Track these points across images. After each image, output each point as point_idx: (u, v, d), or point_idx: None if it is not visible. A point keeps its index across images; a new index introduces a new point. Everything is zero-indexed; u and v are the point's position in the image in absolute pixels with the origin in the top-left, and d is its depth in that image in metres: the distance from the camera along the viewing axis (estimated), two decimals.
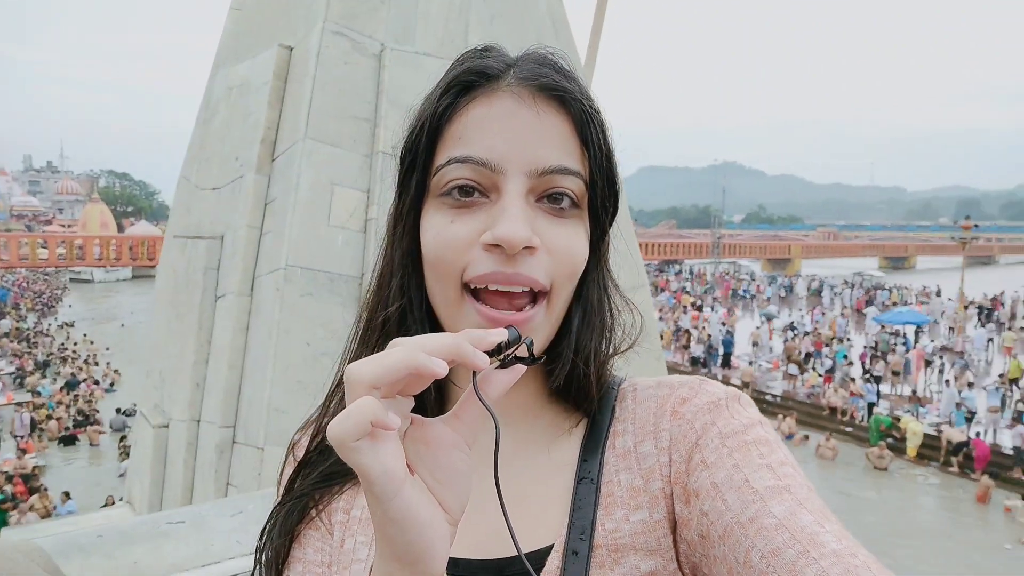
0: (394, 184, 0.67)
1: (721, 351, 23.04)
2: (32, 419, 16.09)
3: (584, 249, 0.62)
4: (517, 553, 0.48)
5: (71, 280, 51.49)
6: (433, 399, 0.65)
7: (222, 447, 3.74)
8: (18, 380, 20.38)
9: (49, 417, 17.17)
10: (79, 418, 17.55)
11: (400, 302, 0.64)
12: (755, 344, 24.86)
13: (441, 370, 0.41)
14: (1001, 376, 19.52)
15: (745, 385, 19.83)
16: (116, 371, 21.89)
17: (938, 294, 37.56)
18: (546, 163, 0.59)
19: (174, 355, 4.36)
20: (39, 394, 19.09)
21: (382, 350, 0.64)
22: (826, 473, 15.32)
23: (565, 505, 0.62)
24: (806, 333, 25.25)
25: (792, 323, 28.16)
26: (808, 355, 22.29)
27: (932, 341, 25.22)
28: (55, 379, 21.03)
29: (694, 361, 23.39)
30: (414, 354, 0.41)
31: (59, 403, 18.32)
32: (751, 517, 0.51)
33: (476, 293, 0.59)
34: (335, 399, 0.70)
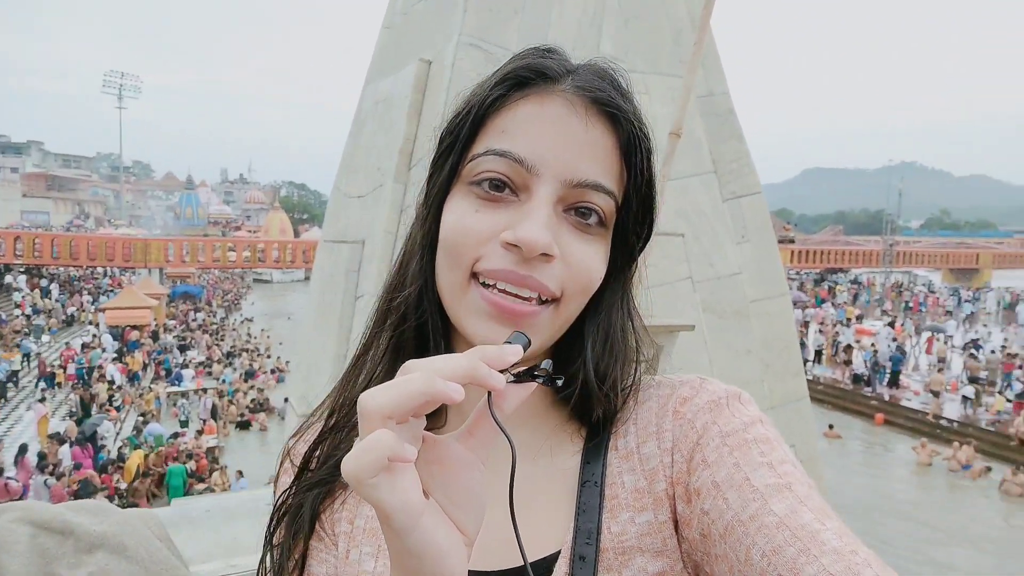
0: (428, 165, 0.67)
1: (889, 368, 21.03)
2: (213, 404, 18.04)
3: (601, 269, 0.61)
4: (524, 564, 0.47)
5: (254, 280, 57.24)
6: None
7: None
8: (208, 368, 22.98)
9: (230, 403, 19.19)
10: (252, 405, 19.45)
11: (418, 283, 0.64)
12: (941, 360, 22.49)
13: (458, 396, 0.40)
14: None
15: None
16: (287, 363, 24.03)
17: None
18: (582, 176, 0.58)
19: (318, 350, 4.71)
20: (224, 382, 21.38)
21: (400, 330, 0.65)
22: (1013, 509, 13.48)
23: (570, 510, 0.62)
24: (992, 352, 22.41)
25: (977, 340, 25.11)
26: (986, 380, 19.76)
27: None
28: (236, 369, 23.46)
29: (856, 379, 21.54)
30: (431, 381, 0.40)
31: (237, 390, 20.41)
32: (752, 515, 0.51)
33: (484, 285, 0.59)
34: (343, 408, 0.69)
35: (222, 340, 29.13)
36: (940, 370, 21.00)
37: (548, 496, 0.64)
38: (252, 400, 19.87)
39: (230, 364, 23.94)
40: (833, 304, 34.28)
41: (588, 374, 0.63)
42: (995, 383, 19.66)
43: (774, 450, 0.57)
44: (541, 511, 0.63)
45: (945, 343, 24.68)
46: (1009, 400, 17.97)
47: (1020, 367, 20.18)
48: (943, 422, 17.97)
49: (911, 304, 36.89)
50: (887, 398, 20.14)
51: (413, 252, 0.66)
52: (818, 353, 24.27)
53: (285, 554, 0.65)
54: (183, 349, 25.73)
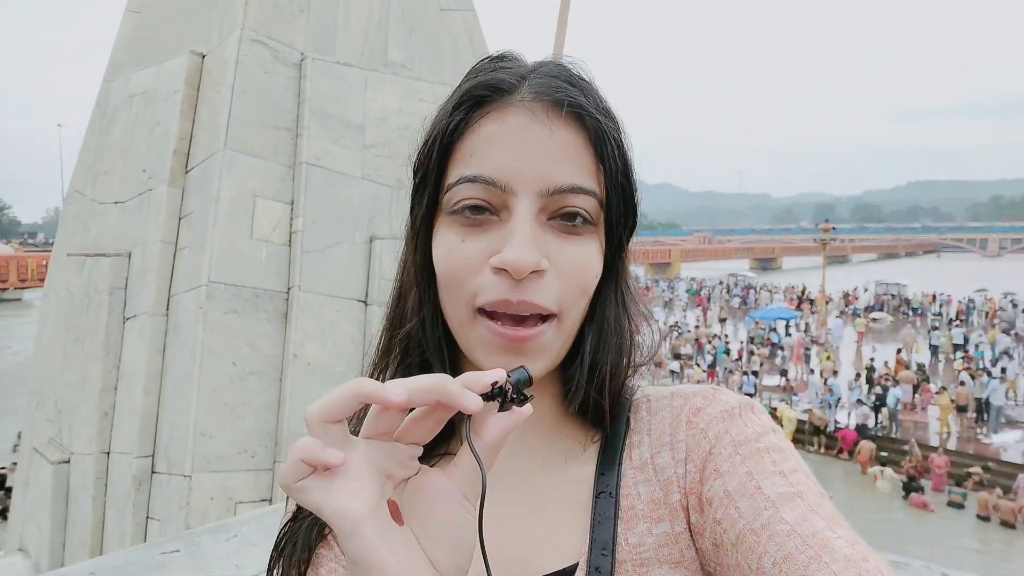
0: (408, 196, 0.67)
1: None
2: None
3: (596, 266, 0.61)
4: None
5: None
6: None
7: (140, 478, 3.50)
8: None
9: None
10: None
11: (418, 316, 0.64)
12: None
13: (395, 399, 0.40)
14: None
15: None
16: None
17: (803, 291, 40.86)
18: (558, 182, 0.57)
19: (73, 383, 4.03)
20: None
21: (404, 364, 0.65)
22: None
23: (586, 521, 0.62)
24: (688, 331, 26.74)
25: (676, 323, 29.70)
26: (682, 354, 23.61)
27: (802, 333, 27.41)
28: None
29: None
30: (362, 382, 0.40)
31: None
32: (763, 524, 0.51)
33: (489, 312, 0.59)
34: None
35: None
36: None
37: (564, 507, 0.64)
38: None
39: None
40: None
41: (584, 371, 0.63)
42: (692, 356, 23.47)
43: (786, 459, 0.57)
44: (557, 523, 0.63)
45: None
46: (704, 370, 21.67)
47: (708, 342, 24.40)
48: None
49: None
50: None
51: (409, 285, 0.65)
52: None
53: (304, 559, 0.64)
54: None
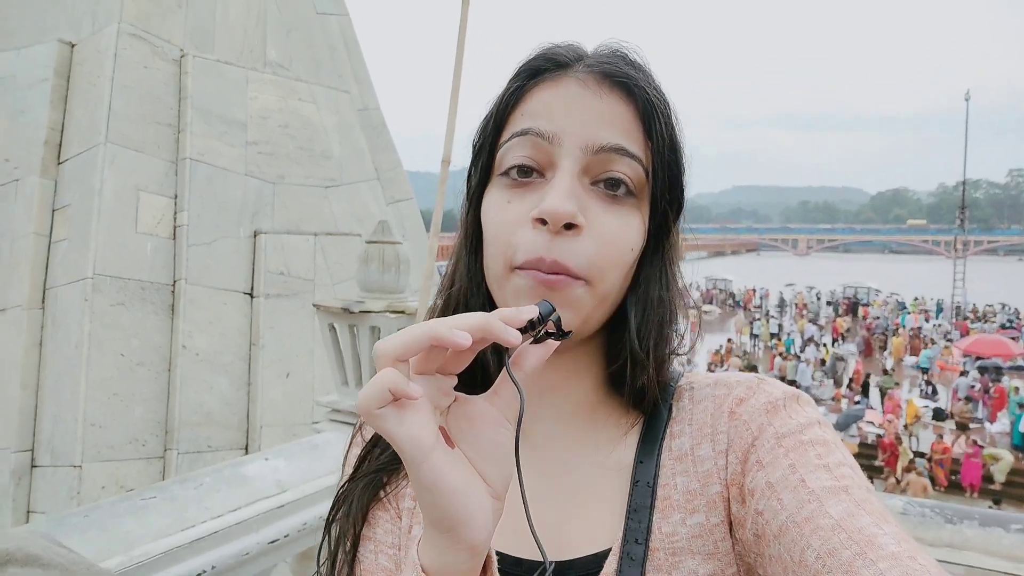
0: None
1: None
2: None
3: (636, 238, 0.61)
4: (544, 558, 0.49)
5: None
6: (478, 384, 0.63)
7: (19, 473, 3.44)
8: None
9: None
10: None
11: (464, 283, 0.66)
12: None
13: (463, 341, 0.42)
14: None
15: None
16: None
17: None
18: (603, 141, 0.58)
19: None
20: None
21: None
22: None
23: (621, 508, 0.62)
24: None
25: None
26: None
27: None
28: None
29: None
30: (434, 326, 0.42)
31: None
32: (807, 517, 0.51)
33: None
34: None
35: None
36: None
37: (600, 492, 0.64)
38: None
39: None
40: None
41: (632, 347, 0.63)
42: None
43: (831, 452, 0.56)
44: (593, 506, 0.63)
45: None
46: None
47: None
48: None
49: None
50: None
51: (460, 250, 0.68)
52: None
53: (359, 519, 0.67)
54: None
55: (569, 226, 0.56)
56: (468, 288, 0.66)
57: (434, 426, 0.44)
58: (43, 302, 3.66)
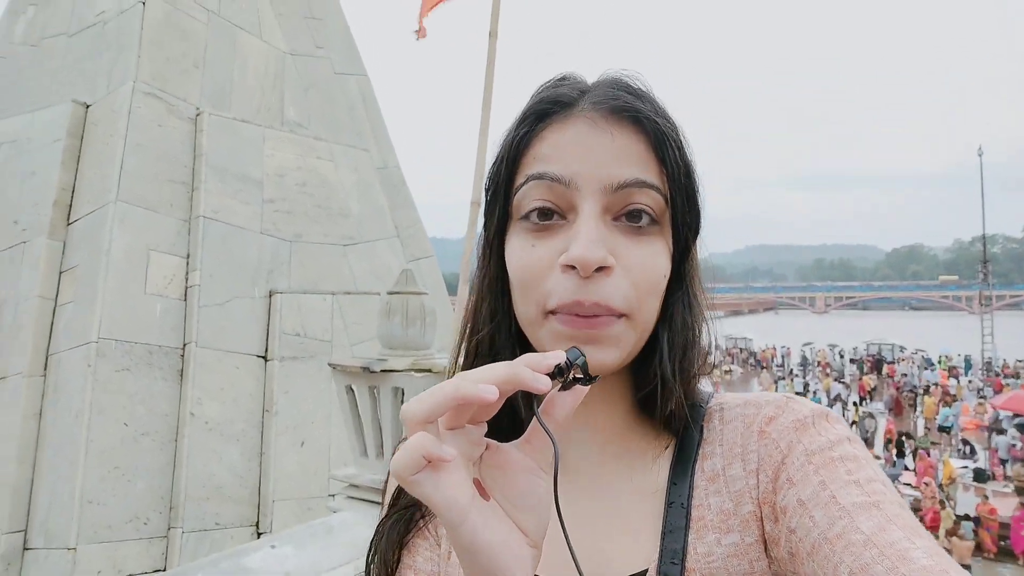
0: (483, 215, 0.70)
1: None
2: None
3: (665, 265, 0.62)
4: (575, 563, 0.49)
5: None
6: (506, 426, 0.63)
7: (9, 557, 3.16)
8: None
9: None
10: None
11: (490, 326, 0.66)
12: None
13: (490, 396, 0.42)
14: None
15: None
16: None
17: None
18: (621, 178, 0.59)
19: None
20: None
21: (475, 366, 0.69)
22: None
23: (656, 529, 0.63)
24: None
25: None
26: None
27: None
28: None
29: None
30: (459, 384, 0.42)
31: None
32: (838, 533, 0.51)
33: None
34: None
35: None
36: None
37: (635, 514, 0.65)
38: None
39: None
40: None
41: (663, 373, 0.63)
42: None
43: (862, 468, 0.56)
44: (628, 528, 0.64)
45: None
46: None
47: None
48: None
49: None
50: None
51: (483, 295, 0.68)
52: None
53: (396, 550, 0.67)
54: None
55: (600, 268, 0.57)
56: (495, 331, 0.66)
57: (469, 483, 0.44)
58: (45, 369, 3.45)
